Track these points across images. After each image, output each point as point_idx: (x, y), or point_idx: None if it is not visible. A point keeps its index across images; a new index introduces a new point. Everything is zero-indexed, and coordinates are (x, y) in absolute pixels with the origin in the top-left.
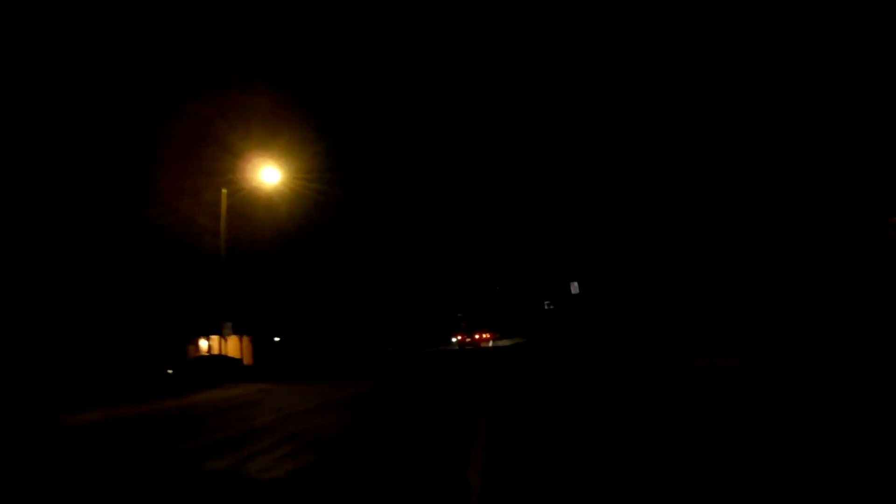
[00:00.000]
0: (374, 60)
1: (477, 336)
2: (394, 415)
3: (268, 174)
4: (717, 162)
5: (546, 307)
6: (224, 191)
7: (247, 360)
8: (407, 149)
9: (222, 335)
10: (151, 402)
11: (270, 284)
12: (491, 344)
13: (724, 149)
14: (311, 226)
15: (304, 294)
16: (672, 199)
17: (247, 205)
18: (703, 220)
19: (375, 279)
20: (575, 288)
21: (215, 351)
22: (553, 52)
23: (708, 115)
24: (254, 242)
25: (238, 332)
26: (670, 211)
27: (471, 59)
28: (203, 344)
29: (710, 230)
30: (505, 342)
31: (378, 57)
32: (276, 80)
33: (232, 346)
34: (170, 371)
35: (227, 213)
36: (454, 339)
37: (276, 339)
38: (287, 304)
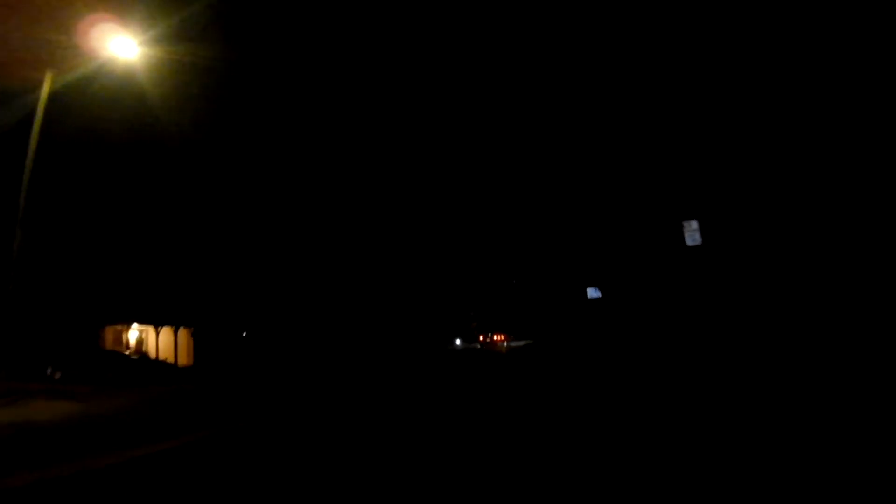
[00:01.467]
0: None
1: (495, 337)
2: None
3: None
4: None
5: (592, 296)
6: (49, 74)
7: (184, 360)
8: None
9: None
10: None
11: (232, 259)
12: (505, 345)
13: None
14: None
15: (284, 278)
16: None
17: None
18: None
19: (371, 268)
20: (693, 235)
21: (149, 345)
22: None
23: None
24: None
25: (174, 322)
26: None
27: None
28: (133, 335)
29: None
30: (519, 343)
31: None
32: None
33: (165, 341)
34: (49, 370)
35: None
36: (458, 342)
37: (244, 333)
38: (258, 291)
